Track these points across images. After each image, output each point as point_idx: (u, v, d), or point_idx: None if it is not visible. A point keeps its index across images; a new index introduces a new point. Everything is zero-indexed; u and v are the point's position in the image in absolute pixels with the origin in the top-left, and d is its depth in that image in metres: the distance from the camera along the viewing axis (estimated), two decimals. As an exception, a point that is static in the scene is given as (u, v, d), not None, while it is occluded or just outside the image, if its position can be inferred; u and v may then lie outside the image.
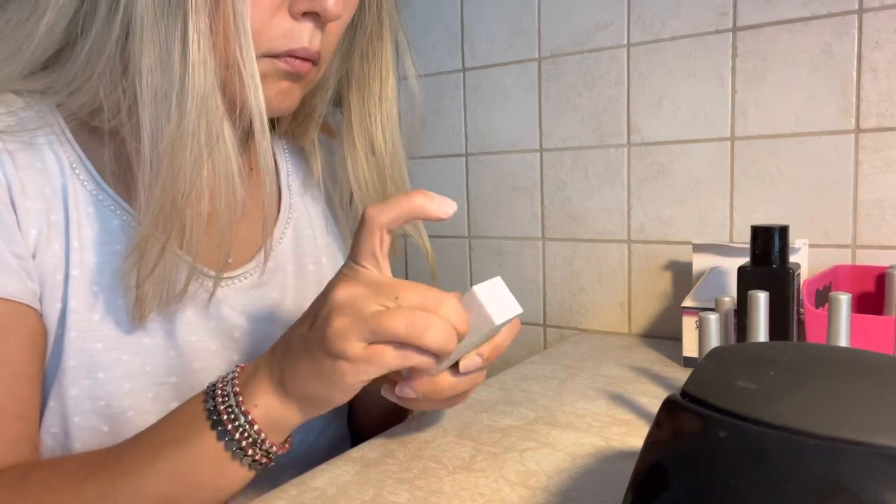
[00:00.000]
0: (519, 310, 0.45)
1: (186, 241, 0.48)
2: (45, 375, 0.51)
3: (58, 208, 0.51)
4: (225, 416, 0.45)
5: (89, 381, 0.51)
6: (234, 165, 0.48)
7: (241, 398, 0.46)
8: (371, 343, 0.42)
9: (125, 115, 0.48)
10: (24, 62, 0.49)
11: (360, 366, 0.42)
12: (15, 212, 0.48)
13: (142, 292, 0.49)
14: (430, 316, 0.42)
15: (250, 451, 0.45)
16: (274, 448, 0.47)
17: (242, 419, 0.45)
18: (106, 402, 0.51)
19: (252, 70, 0.47)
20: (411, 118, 0.67)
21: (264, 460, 0.47)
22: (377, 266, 0.45)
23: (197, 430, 0.45)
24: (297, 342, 0.45)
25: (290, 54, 0.50)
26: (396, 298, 0.42)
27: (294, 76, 0.52)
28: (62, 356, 0.50)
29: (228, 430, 0.45)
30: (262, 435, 0.46)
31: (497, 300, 0.44)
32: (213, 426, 0.45)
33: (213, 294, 0.55)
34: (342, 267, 0.46)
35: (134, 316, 0.51)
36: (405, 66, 0.64)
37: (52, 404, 0.51)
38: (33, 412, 0.50)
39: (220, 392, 0.46)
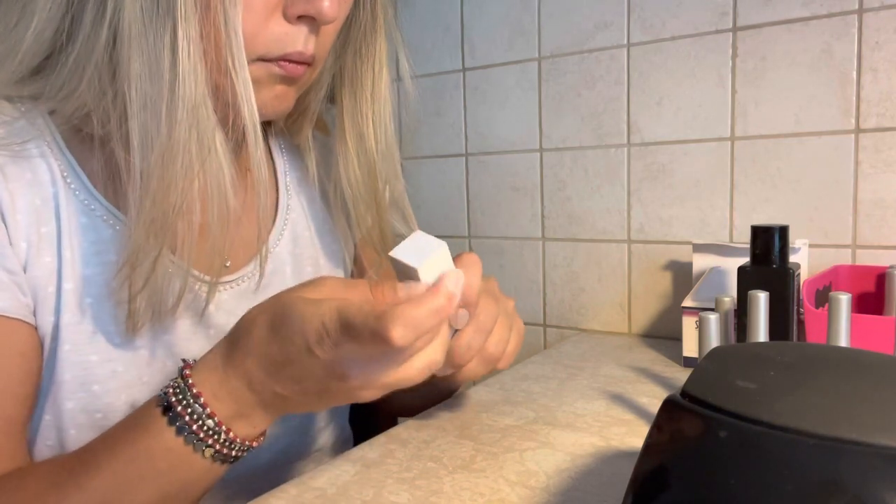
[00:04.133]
0: (440, 244, 0.44)
1: (178, 253, 0.47)
2: (40, 389, 0.50)
3: (49, 219, 0.50)
4: (177, 406, 0.44)
5: (84, 393, 0.50)
6: (226, 177, 0.47)
7: (195, 389, 0.44)
8: None
9: (115, 123, 0.47)
10: (14, 68, 0.49)
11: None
12: (5, 226, 0.48)
13: (134, 306, 0.48)
14: (427, 349, 0.42)
15: (202, 436, 0.44)
16: (238, 439, 0.45)
17: (198, 407, 0.44)
18: (103, 414, 0.51)
19: (244, 78, 0.46)
20: (406, 117, 0.66)
21: (225, 451, 0.45)
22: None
23: (151, 418, 0.44)
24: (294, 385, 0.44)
25: (285, 58, 0.49)
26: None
27: (289, 80, 0.51)
28: (56, 369, 0.49)
29: (179, 413, 0.44)
30: (222, 426, 0.44)
31: (414, 250, 0.43)
32: (164, 412, 0.44)
33: (209, 301, 0.54)
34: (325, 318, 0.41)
35: (127, 328, 0.50)
36: (400, 63, 0.63)
37: (47, 418, 0.50)
38: (19, 429, 0.49)
39: (172, 389, 0.45)
